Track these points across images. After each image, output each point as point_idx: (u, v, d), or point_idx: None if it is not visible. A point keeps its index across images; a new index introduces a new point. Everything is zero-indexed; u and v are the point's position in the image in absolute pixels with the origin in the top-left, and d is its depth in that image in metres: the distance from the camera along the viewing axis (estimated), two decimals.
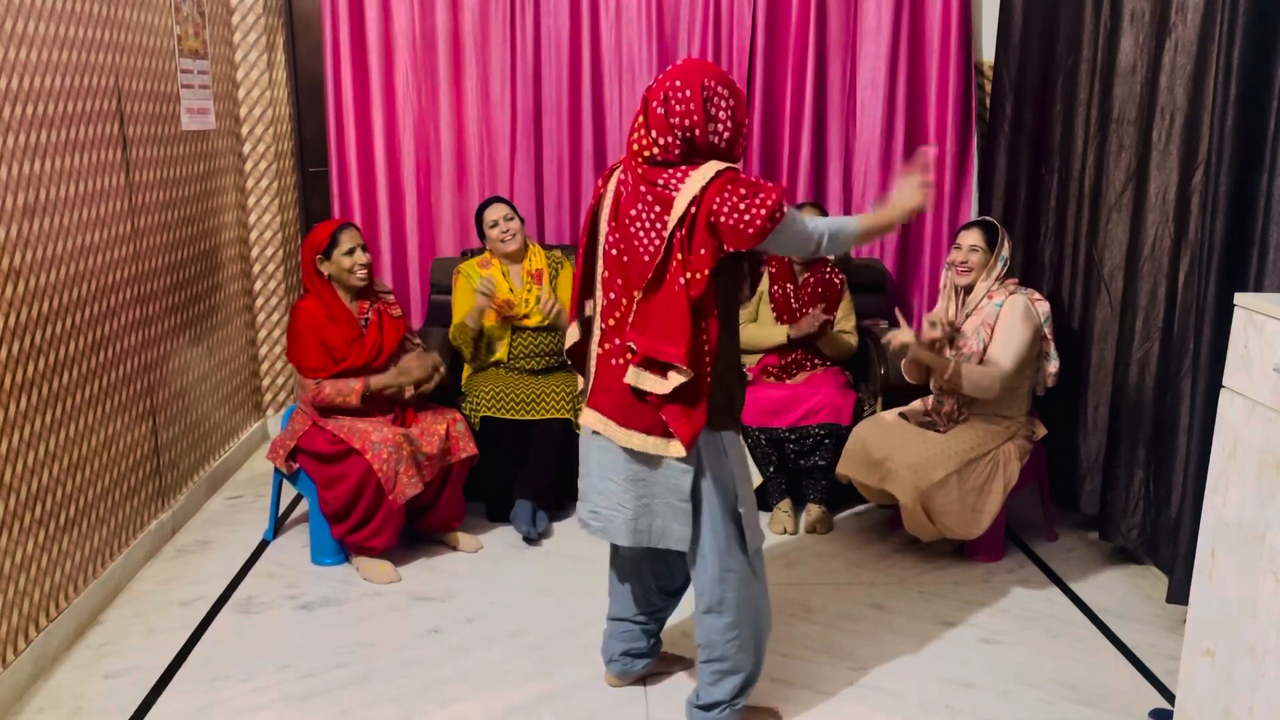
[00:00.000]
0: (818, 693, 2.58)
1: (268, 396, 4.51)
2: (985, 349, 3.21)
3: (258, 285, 4.37)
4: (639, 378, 2.16)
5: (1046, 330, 3.26)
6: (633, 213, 2.17)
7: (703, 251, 2.10)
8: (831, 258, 3.91)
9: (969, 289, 3.30)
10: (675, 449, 2.17)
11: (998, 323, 3.19)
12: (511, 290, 3.65)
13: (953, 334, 3.26)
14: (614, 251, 2.22)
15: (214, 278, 3.95)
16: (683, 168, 2.13)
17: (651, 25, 4.18)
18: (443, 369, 3.36)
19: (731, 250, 2.11)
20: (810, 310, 3.71)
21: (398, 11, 4.18)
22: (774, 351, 3.76)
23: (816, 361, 3.75)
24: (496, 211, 3.68)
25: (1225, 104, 2.60)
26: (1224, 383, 2.07)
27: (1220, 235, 2.63)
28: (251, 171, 4.29)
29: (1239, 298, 2.04)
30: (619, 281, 2.22)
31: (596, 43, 4.22)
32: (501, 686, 2.59)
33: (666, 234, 2.11)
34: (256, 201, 4.31)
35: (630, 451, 2.23)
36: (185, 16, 3.72)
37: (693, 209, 2.09)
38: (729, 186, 2.09)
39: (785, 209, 2.10)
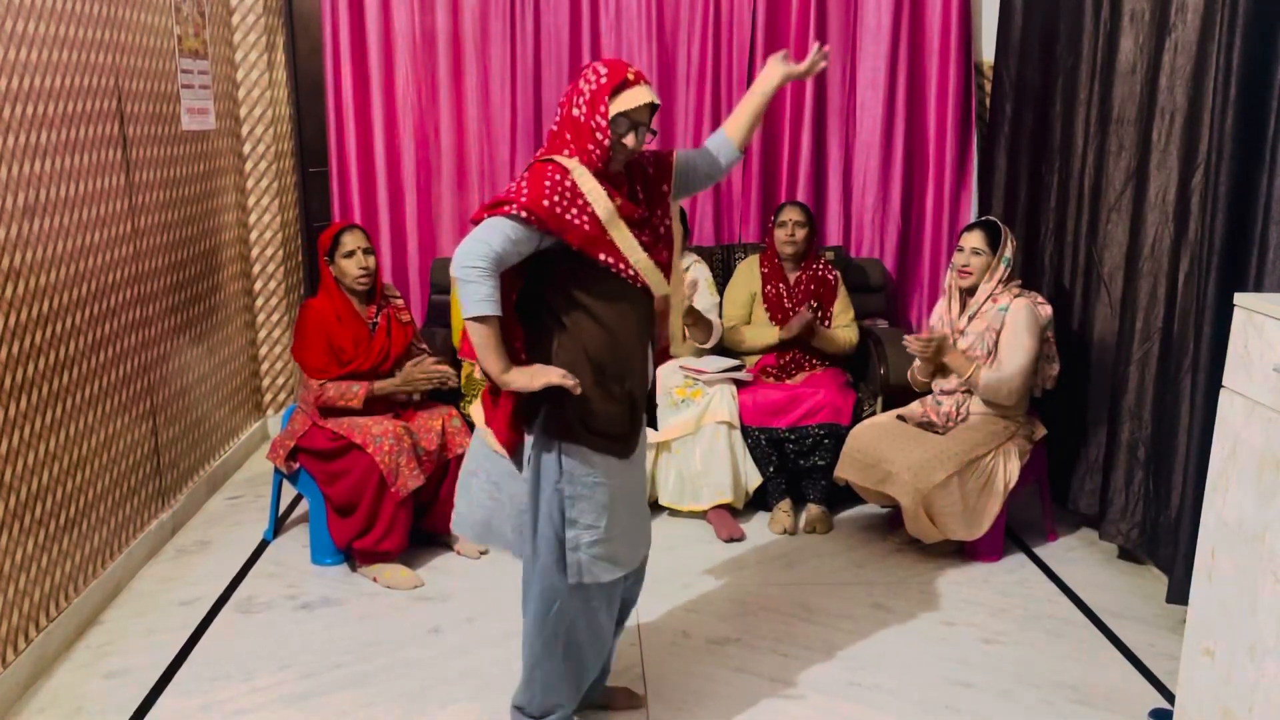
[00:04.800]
0: (818, 692, 2.58)
1: (268, 396, 4.51)
2: (989, 354, 3.21)
3: (258, 285, 4.37)
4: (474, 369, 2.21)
5: (1049, 334, 3.26)
6: None
7: None
8: (827, 256, 3.92)
9: (971, 291, 3.30)
10: (492, 440, 2.16)
11: (1003, 331, 3.19)
12: None
13: (945, 344, 3.26)
14: None
15: (214, 278, 3.95)
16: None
17: (651, 25, 4.18)
18: (450, 382, 3.27)
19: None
20: (799, 309, 3.71)
21: (398, 11, 4.18)
22: (771, 352, 3.76)
23: (816, 361, 3.75)
24: None
25: (1225, 104, 2.60)
26: (1224, 383, 2.07)
27: (1220, 235, 2.63)
28: (251, 171, 4.29)
29: (1239, 298, 2.04)
30: None
31: (596, 43, 4.23)
32: (501, 686, 2.58)
33: None
34: (256, 201, 4.31)
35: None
36: (185, 16, 3.72)
37: None
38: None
39: (490, 220, 1.97)
